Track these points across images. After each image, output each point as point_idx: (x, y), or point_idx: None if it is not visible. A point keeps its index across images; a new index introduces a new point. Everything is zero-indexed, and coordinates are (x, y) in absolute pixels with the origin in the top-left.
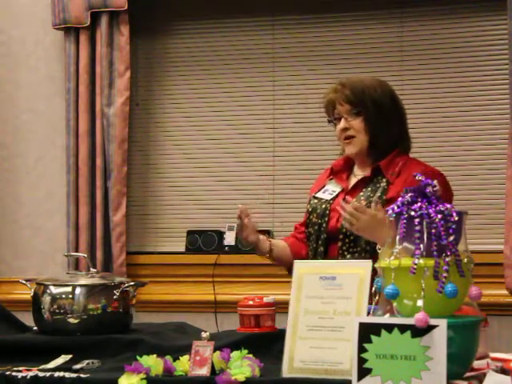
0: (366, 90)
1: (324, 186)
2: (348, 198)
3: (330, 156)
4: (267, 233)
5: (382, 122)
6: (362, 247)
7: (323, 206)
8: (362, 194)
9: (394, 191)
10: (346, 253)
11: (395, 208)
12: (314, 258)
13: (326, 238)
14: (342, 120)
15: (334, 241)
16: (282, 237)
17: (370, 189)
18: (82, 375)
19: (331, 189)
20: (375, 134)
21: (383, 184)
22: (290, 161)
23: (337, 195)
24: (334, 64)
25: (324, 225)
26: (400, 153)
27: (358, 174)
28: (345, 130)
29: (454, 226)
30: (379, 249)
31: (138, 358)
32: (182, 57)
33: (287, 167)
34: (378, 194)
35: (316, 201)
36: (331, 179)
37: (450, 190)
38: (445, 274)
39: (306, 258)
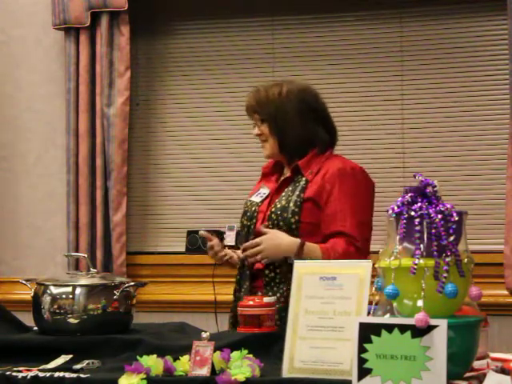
0: (269, 96)
1: (259, 189)
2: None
3: None
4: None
5: (288, 126)
6: None
7: (252, 208)
8: (283, 194)
9: (312, 189)
10: None
11: (395, 208)
12: (243, 261)
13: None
14: (256, 127)
15: None
16: None
17: (290, 188)
18: (82, 375)
19: (263, 191)
20: (282, 137)
21: (302, 183)
22: None
23: (266, 197)
24: (335, 64)
25: (252, 227)
26: (321, 151)
27: (285, 174)
28: (259, 135)
29: (454, 226)
30: (290, 263)
31: (138, 358)
32: (182, 56)
33: None
34: (297, 192)
35: (249, 203)
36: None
37: (370, 182)
38: (445, 274)
39: None
